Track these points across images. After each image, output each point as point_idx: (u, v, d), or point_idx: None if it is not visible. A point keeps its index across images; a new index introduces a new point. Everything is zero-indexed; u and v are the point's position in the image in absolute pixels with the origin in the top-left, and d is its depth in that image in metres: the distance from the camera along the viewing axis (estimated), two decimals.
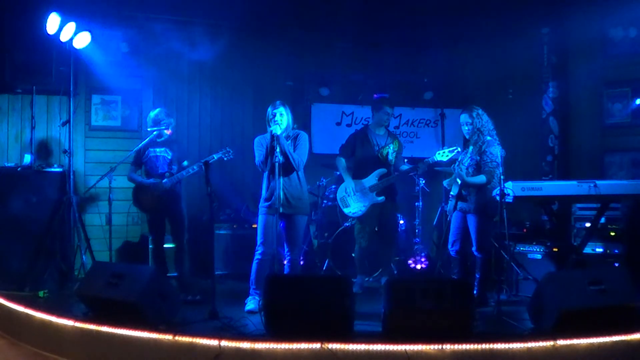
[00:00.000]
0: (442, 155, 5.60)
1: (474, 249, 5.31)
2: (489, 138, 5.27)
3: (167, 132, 5.91)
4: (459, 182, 5.30)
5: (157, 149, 5.88)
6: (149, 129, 5.92)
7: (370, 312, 4.73)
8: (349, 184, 6.09)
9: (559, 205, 6.30)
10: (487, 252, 5.32)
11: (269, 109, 5.23)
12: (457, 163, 5.43)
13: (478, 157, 5.26)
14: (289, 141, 5.21)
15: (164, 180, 5.75)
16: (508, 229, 4.94)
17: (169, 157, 5.87)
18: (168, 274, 5.95)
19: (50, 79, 6.51)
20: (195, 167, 5.69)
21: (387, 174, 6.07)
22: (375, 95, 8.05)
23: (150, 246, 6.39)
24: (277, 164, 4.99)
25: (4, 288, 5.45)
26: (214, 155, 5.63)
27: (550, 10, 7.30)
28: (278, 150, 5.04)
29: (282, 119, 5.17)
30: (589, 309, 4.21)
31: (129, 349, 4.23)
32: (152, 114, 5.94)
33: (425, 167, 5.92)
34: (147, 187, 5.82)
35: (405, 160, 6.50)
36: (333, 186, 7.06)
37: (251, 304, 5.11)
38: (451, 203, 5.43)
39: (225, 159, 5.67)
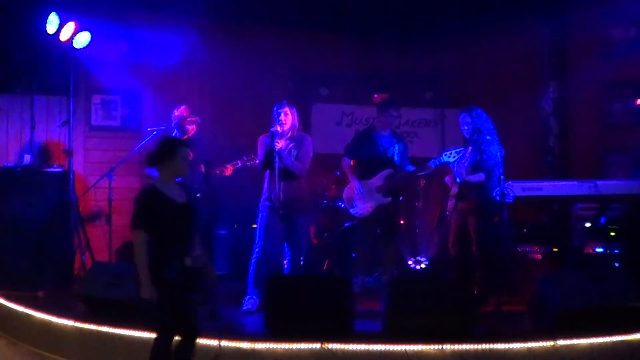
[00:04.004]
0: (449, 156, 5.55)
1: (474, 249, 5.31)
2: (488, 137, 5.27)
3: (192, 129, 5.83)
4: (459, 181, 5.30)
5: None
6: (151, 129, 5.90)
7: (370, 312, 4.73)
8: (355, 184, 6.07)
9: (559, 205, 6.30)
10: (487, 252, 5.32)
11: (275, 108, 5.19)
12: (456, 163, 5.42)
13: (478, 157, 5.26)
14: (293, 143, 5.19)
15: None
16: (508, 229, 4.93)
17: (190, 158, 5.76)
18: None
19: (50, 79, 6.51)
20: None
21: (392, 175, 6.06)
22: (375, 95, 8.04)
23: None
24: (277, 167, 4.98)
25: (4, 288, 5.45)
26: (238, 162, 5.60)
27: (550, 10, 7.30)
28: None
29: (286, 118, 5.15)
30: (589, 309, 4.22)
31: (129, 349, 4.23)
32: (176, 111, 5.85)
33: (431, 170, 5.87)
34: None
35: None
36: (333, 186, 7.05)
37: (249, 304, 5.10)
38: (451, 203, 5.42)
39: (249, 165, 5.63)
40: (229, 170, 5.59)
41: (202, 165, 5.23)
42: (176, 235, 3.54)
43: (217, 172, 5.68)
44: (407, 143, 6.41)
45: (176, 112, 5.84)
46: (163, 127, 5.90)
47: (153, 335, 4.14)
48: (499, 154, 5.13)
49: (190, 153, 5.75)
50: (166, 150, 3.71)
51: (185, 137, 5.82)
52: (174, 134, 5.83)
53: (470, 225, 5.30)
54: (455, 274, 5.73)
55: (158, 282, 3.42)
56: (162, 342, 3.48)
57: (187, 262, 3.54)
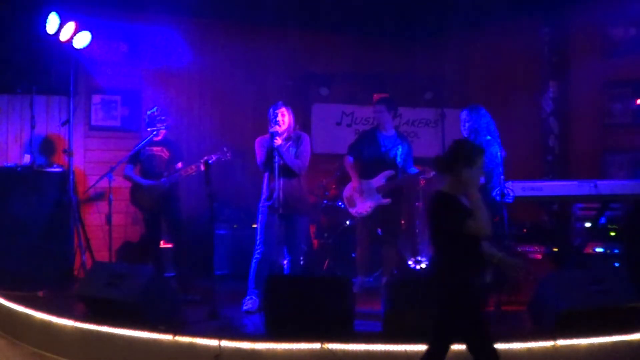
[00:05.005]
0: None
1: None
2: (488, 138, 5.27)
3: (162, 130, 5.91)
4: None
5: (154, 148, 5.88)
6: (148, 129, 5.95)
7: (370, 312, 4.73)
8: (356, 183, 6.07)
9: (559, 205, 6.30)
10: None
11: (271, 109, 5.20)
12: None
13: None
14: (290, 142, 5.19)
15: (162, 180, 5.73)
16: (508, 229, 4.93)
17: (166, 157, 5.86)
18: (165, 274, 5.95)
19: (50, 79, 6.51)
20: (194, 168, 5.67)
21: (394, 176, 6.05)
22: (375, 95, 8.04)
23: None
24: (276, 165, 4.99)
25: (4, 288, 5.45)
26: (212, 156, 5.61)
27: (550, 10, 7.30)
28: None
29: (283, 119, 5.16)
30: (589, 309, 4.21)
31: (129, 349, 4.23)
32: (149, 112, 5.99)
33: (433, 173, 5.86)
34: (144, 186, 5.80)
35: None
36: (333, 186, 7.05)
37: (249, 304, 5.10)
38: None
39: (222, 159, 5.65)
40: (192, 168, 5.60)
41: (202, 166, 5.24)
42: (477, 249, 3.29)
43: (187, 171, 5.66)
44: (411, 144, 6.40)
45: (148, 112, 5.97)
46: (163, 128, 5.90)
47: (153, 335, 4.17)
48: (499, 154, 5.13)
49: (166, 152, 5.85)
50: (469, 156, 3.31)
51: (159, 137, 5.88)
52: (152, 135, 5.86)
53: None
54: None
55: (460, 299, 3.29)
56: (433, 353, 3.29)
57: (487, 279, 3.27)
